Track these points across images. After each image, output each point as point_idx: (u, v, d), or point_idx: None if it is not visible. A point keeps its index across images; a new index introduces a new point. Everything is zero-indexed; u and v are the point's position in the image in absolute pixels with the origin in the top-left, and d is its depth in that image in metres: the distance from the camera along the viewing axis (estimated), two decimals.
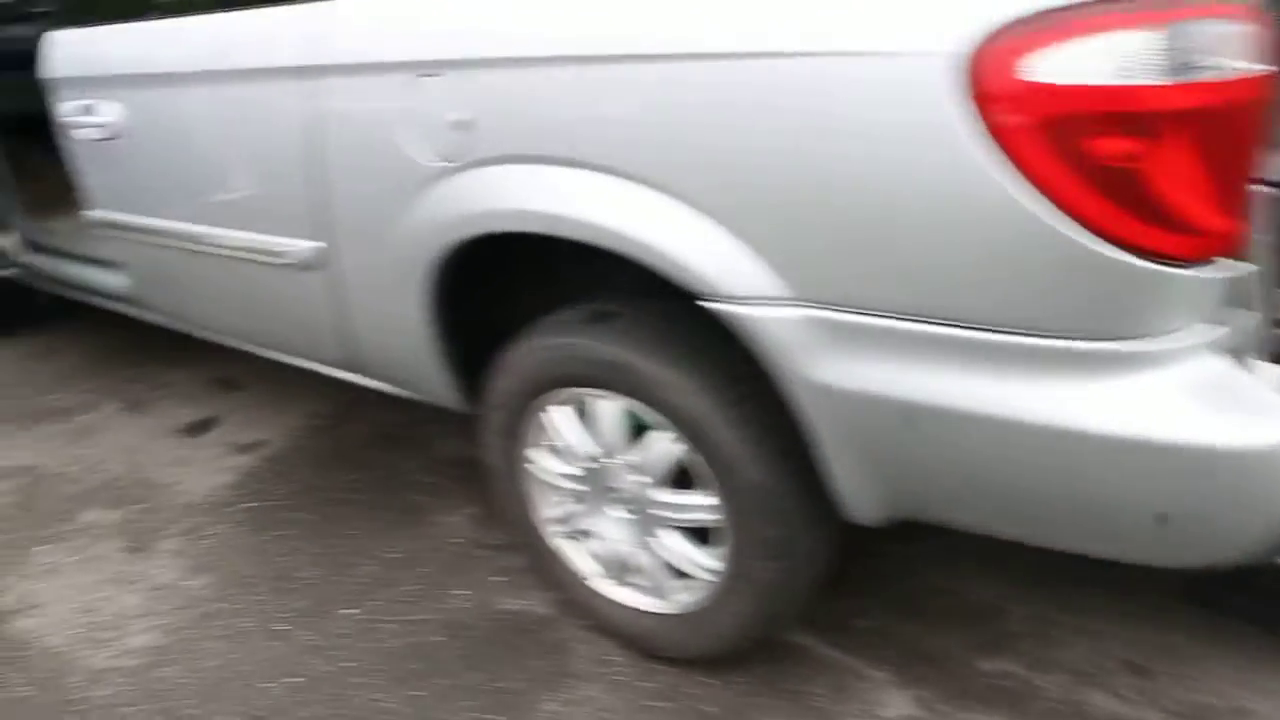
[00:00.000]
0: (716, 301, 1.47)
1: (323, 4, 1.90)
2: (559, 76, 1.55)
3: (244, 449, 2.96)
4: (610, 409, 1.80)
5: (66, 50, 2.51)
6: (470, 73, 1.67)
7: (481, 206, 1.71)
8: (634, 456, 1.81)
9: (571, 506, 1.98)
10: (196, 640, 2.17)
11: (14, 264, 3.37)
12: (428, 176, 1.77)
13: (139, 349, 3.58)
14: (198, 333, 2.77)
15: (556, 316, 1.87)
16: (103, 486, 2.82)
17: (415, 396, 2.24)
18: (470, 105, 1.67)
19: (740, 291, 1.45)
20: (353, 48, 1.85)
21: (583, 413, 1.87)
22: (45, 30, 3.40)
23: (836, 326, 1.40)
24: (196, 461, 2.91)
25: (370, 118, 1.84)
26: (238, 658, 2.11)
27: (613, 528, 1.94)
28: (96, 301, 3.15)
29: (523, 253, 1.82)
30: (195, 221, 2.36)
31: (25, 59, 3.37)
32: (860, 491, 1.54)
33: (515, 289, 2.06)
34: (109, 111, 2.42)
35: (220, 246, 2.32)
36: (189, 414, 3.18)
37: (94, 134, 2.47)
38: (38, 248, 3.38)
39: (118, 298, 2.99)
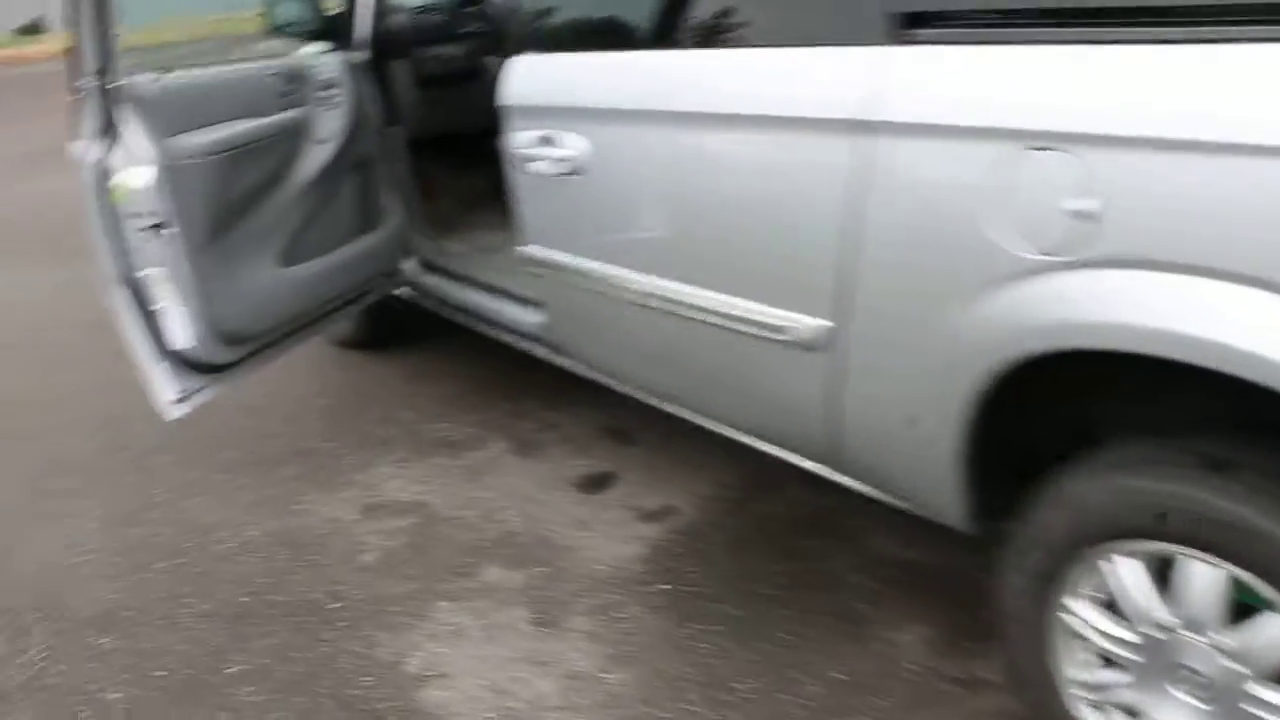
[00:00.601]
0: None
1: (882, 49, 1.60)
2: (1245, 169, 1.20)
3: (649, 516, 2.67)
4: (1209, 575, 1.41)
5: (527, 77, 2.33)
6: (1106, 152, 1.32)
7: (1090, 315, 1.39)
8: (1231, 639, 1.41)
9: (1114, 675, 1.59)
10: None
11: (407, 283, 3.27)
12: (1014, 270, 1.45)
13: (517, 382, 3.42)
14: (622, 387, 2.54)
15: (1142, 452, 1.50)
16: (501, 540, 2.62)
17: (901, 504, 1.92)
18: (1099, 191, 1.33)
19: None
20: (928, 105, 1.53)
21: (1162, 571, 1.48)
22: (474, 52, 3.34)
23: None
24: (598, 525, 2.65)
25: (940, 189, 1.53)
26: None
27: (1175, 715, 1.52)
28: (483, 329, 3.02)
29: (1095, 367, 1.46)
30: (660, 275, 2.12)
31: (445, 79, 3.30)
32: None
33: (1078, 406, 1.68)
34: (570, 145, 2.21)
35: (688, 306, 2.07)
36: (583, 465, 2.94)
37: (548, 168, 2.27)
38: (430, 268, 3.26)
39: (523, 334, 2.81)
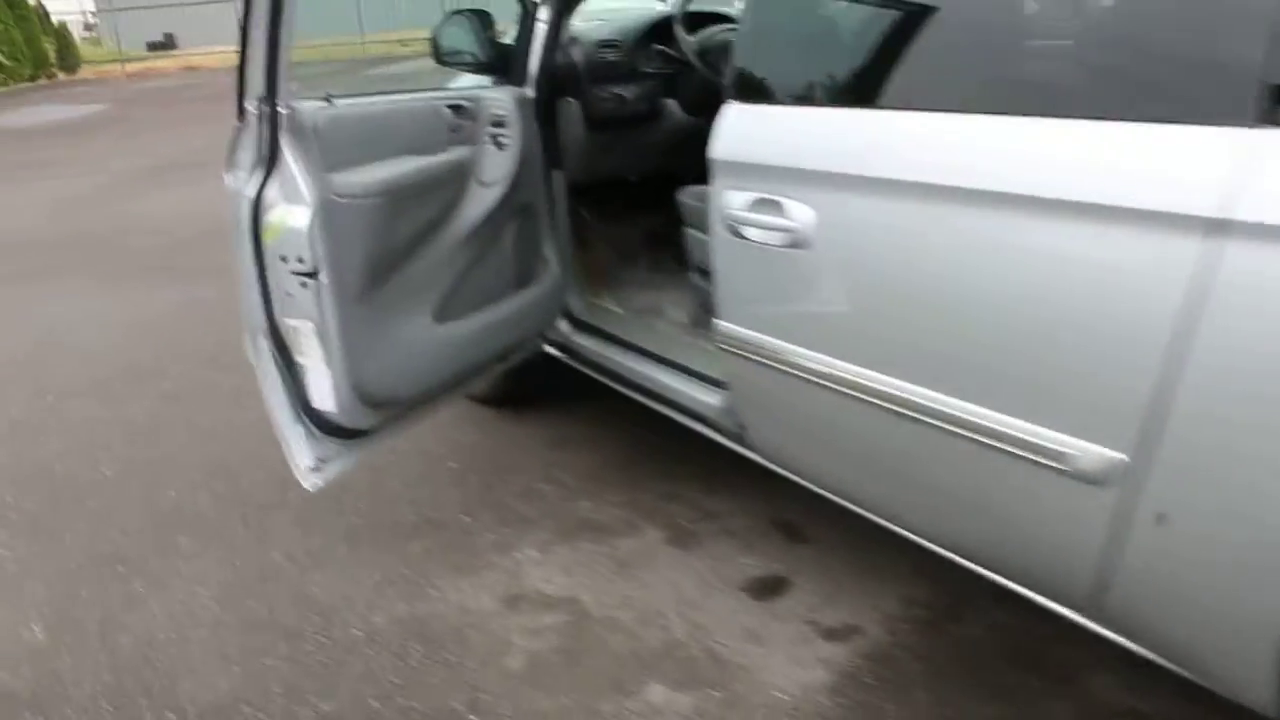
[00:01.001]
0: None
1: (1252, 131, 1.27)
2: None
3: (831, 635, 2.31)
4: None
5: (743, 129, 2.01)
6: None
7: None
8: None
9: None
10: None
11: (557, 343, 2.95)
12: None
13: (669, 456, 3.08)
14: (819, 488, 2.19)
15: None
16: (663, 651, 2.27)
17: (1174, 668, 1.57)
18: None
19: None
20: None
21: None
22: (653, 93, 3.03)
23: None
24: (774, 640, 2.29)
25: None
26: None
27: None
28: (639, 399, 2.71)
29: None
30: (898, 375, 1.76)
31: (618, 121, 2.99)
32: None
33: None
34: (794, 213, 1.87)
35: (932, 414, 1.71)
36: (750, 565, 2.58)
37: (763, 236, 1.95)
38: (581, 326, 2.94)
39: (693, 413, 2.49)
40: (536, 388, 3.42)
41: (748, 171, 1.99)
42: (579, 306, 3.00)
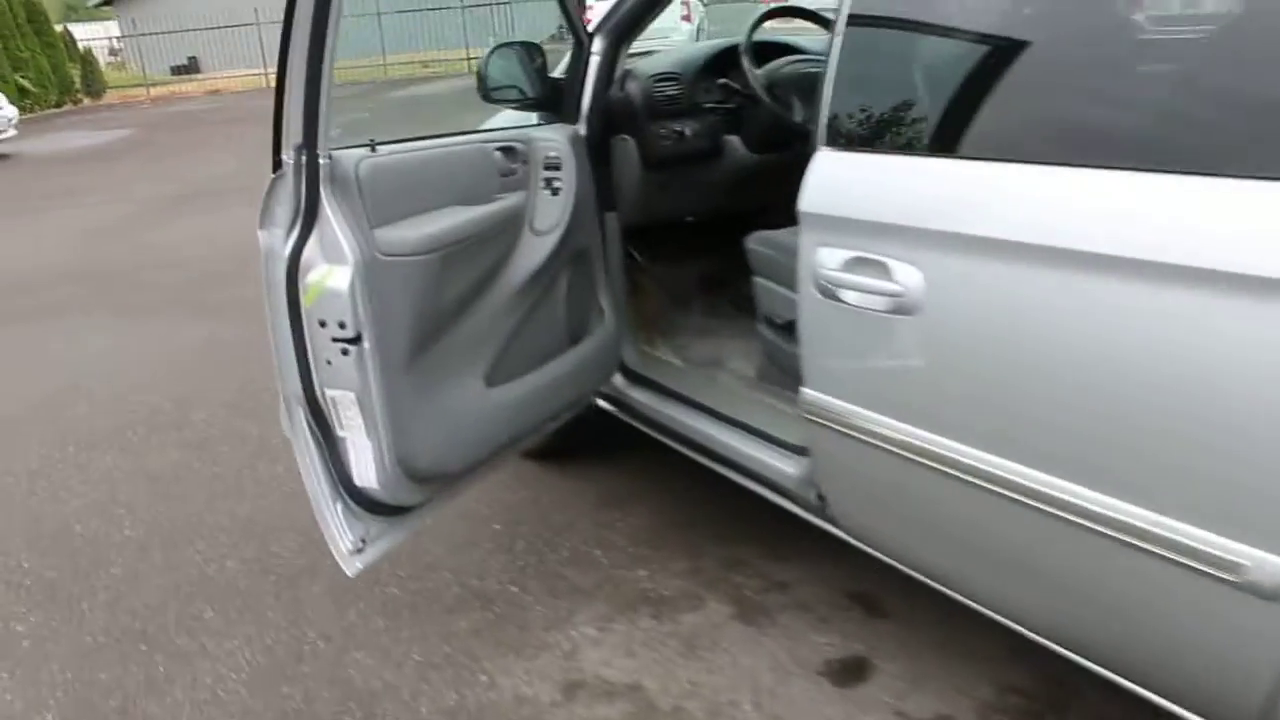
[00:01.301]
0: None
1: None
2: None
3: None
4: None
5: (839, 179, 1.81)
6: None
7: None
8: None
9: None
10: None
11: (610, 397, 2.73)
12: None
13: (730, 516, 2.86)
14: (915, 572, 1.98)
15: None
16: None
17: None
18: None
19: None
20: None
21: None
22: (715, 128, 2.82)
23: None
24: None
25: None
26: None
27: None
28: (699, 458, 2.52)
29: None
30: (1022, 462, 1.54)
31: (678, 159, 2.78)
32: None
33: None
34: (899, 276, 1.66)
35: (1065, 508, 1.49)
36: (827, 644, 2.36)
37: (861, 299, 1.73)
38: (636, 379, 2.72)
39: (764, 479, 2.29)
40: (584, 440, 3.20)
41: (844, 227, 1.77)
42: (633, 357, 2.79)
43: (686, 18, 16.49)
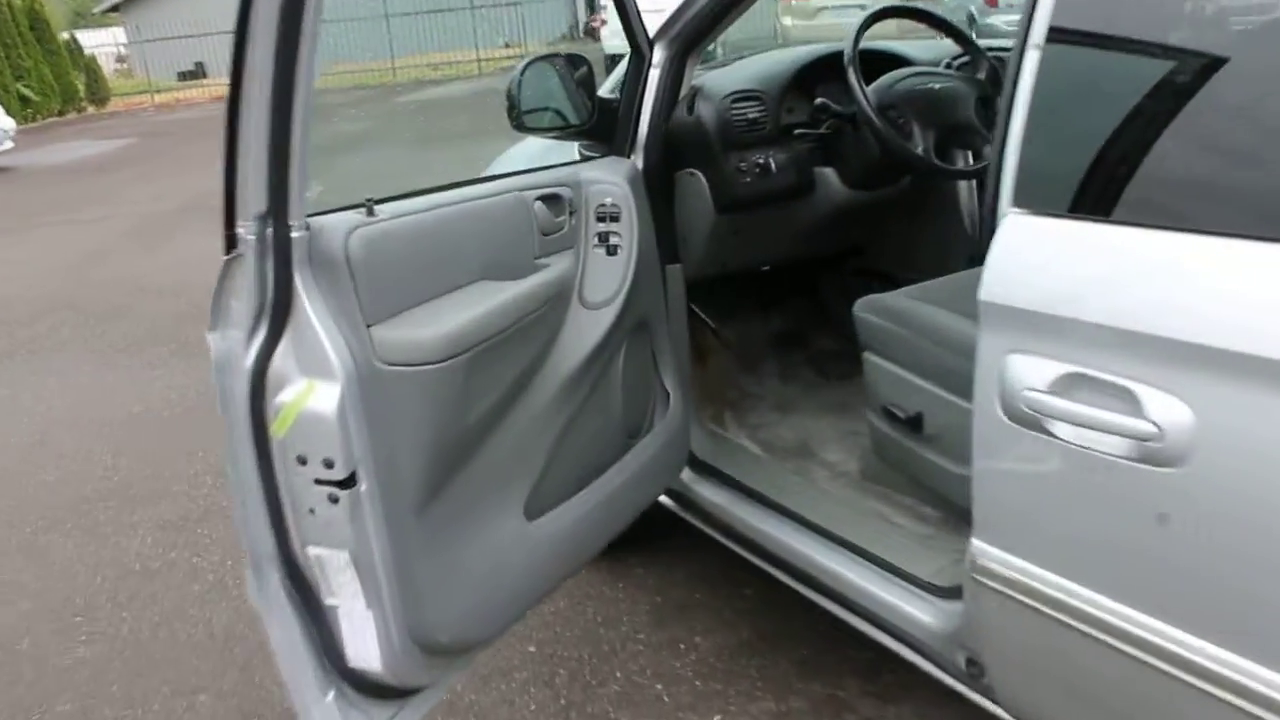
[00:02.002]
0: None
1: None
2: None
3: None
4: None
5: (1046, 256, 1.27)
6: None
7: None
8: None
9: None
10: None
11: (672, 491, 2.18)
12: None
13: (818, 635, 2.29)
14: None
15: None
16: None
17: None
18: None
19: None
20: None
21: None
22: (804, 159, 2.24)
23: None
24: None
25: None
26: None
27: None
28: (788, 580, 2.00)
29: None
30: None
31: (758, 198, 2.23)
32: None
33: None
34: (1155, 408, 1.11)
35: None
36: None
37: (1083, 435, 1.19)
38: (701, 468, 2.16)
39: (889, 627, 1.76)
40: (637, 530, 2.62)
41: (1055, 330, 1.22)
42: (699, 441, 2.23)
43: (593, 29, 14.49)
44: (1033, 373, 1.24)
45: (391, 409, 1.35)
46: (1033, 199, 1.27)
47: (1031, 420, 1.24)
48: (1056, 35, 1.25)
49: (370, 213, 1.40)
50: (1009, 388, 1.27)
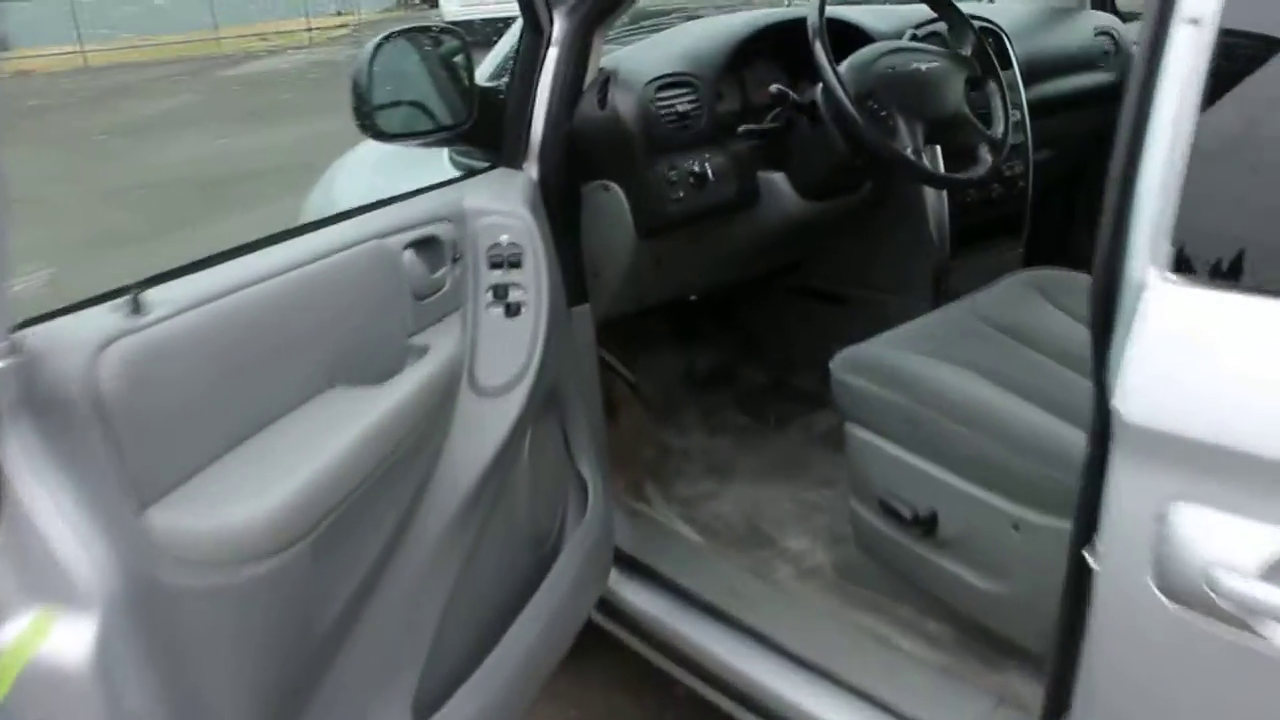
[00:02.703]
0: None
1: None
2: None
3: None
4: None
5: (1232, 353, 0.82)
6: None
7: None
8: None
9: None
10: None
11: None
12: None
13: None
14: None
15: None
16: None
17: None
18: None
19: None
20: None
21: None
22: (746, 162, 1.72)
23: None
24: None
25: None
26: None
27: None
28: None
29: None
30: None
31: (692, 216, 1.71)
32: None
33: None
34: None
35: None
36: None
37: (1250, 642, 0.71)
38: (626, 564, 1.70)
39: None
40: None
41: (1247, 471, 0.75)
42: (619, 526, 1.72)
43: None
44: (1232, 543, 0.78)
45: (192, 643, 0.79)
46: (1204, 263, 0.81)
47: (1217, 609, 0.79)
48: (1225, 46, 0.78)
49: (137, 308, 0.83)
50: (1176, 553, 0.81)
